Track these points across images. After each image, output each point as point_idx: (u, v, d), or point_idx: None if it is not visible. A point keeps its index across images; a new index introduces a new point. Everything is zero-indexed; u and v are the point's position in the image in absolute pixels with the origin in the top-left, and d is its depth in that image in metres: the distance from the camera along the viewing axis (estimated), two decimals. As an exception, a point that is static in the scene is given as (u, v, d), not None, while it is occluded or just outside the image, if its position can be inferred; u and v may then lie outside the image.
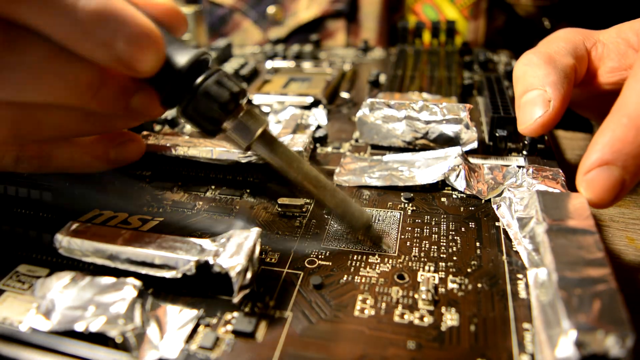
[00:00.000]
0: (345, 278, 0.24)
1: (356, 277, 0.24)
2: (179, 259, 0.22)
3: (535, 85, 0.29)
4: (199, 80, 0.23)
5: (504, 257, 0.25)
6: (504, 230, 0.27)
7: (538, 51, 0.31)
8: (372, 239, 0.27)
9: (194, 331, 0.21)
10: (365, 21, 0.65)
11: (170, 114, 0.41)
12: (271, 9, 0.66)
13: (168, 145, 0.32)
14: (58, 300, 0.21)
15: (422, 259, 0.25)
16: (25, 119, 0.24)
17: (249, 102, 0.44)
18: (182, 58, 0.23)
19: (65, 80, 0.22)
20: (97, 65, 0.22)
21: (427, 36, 0.57)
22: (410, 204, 0.30)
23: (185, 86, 0.23)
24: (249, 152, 0.30)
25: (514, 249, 0.25)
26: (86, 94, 0.23)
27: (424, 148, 0.35)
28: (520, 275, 0.24)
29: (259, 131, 0.24)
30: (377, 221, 0.28)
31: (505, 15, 0.64)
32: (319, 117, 0.41)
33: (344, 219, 0.27)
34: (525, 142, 0.35)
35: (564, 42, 0.31)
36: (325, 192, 0.26)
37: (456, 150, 0.32)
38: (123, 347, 0.20)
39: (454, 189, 0.31)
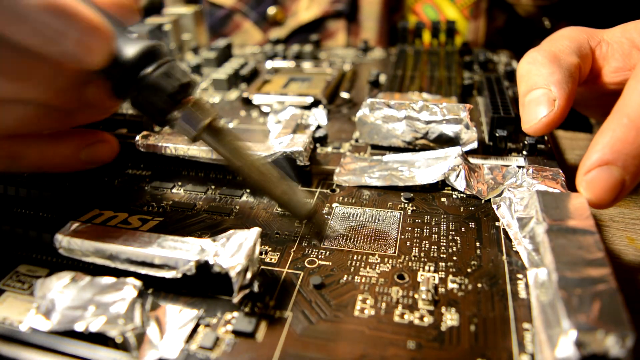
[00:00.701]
0: (345, 278, 0.24)
1: (356, 277, 0.24)
2: (179, 259, 0.22)
3: (539, 84, 0.28)
4: (148, 70, 0.24)
5: (504, 257, 0.25)
6: (504, 230, 0.27)
7: (542, 49, 0.30)
8: (315, 227, 0.28)
9: (194, 331, 0.21)
10: (365, 21, 0.65)
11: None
12: (271, 10, 0.66)
13: (168, 145, 0.32)
14: (58, 300, 0.21)
15: (422, 259, 0.25)
16: None
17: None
18: (130, 49, 0.23)
19: (17, 74, 0.22)
20: (49, 58, 0.22)
21: (427, 36, 0.57)
22: (410, 204, 0.30)
23: (135, 77, 0.24)
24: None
25: (514, 249, 0.25)
26: (41, 87, 0.23)
27: (424, 148, 0.35)
28: (520, 275, 0.24)
29: (207, 121, 0.25)
30: (377, 221, 0.28)
31: (506, 15, 0.64)
32: (319, 117, 0.41)
33: (288, 207, 0.27)
34: (525, 142, 0.35)
35: (568, 41, 0.31)
36: (270, 182, 0.26)
37: (456, 151, 0.32)
38: (123, 347, 0.20)
39: (454, 189, 0.31)
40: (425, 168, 0.32)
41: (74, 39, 0.21)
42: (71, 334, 0.20)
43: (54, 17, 0.20)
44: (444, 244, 0.26)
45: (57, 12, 0.20)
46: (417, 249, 0.26)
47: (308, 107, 0.43)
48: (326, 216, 0.29)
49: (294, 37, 0.67)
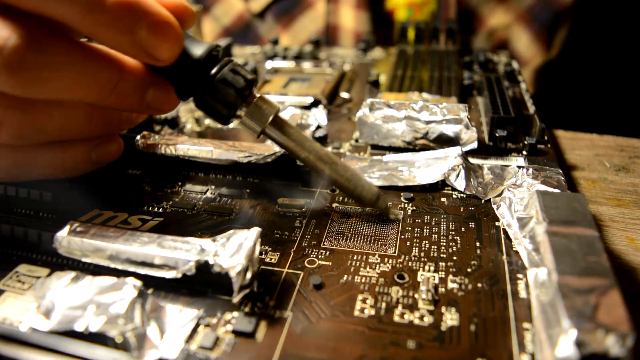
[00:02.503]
0: (345, 278, 0.24)
1: (356, 277, 0.24)
2: (179, 259, 0.22)
3: None
4: (215, 69, 0.25)
5: (504, 257, 0.25)
6: (504, 230, 0.27)
7: None
8: (381, 210, 0.28)
9: (194, 331, 0.21)
10: None
11: (170, 114, 0.41)
12: None
13: (168, 145, 0.32)
14: (58, 300, 0.21)
15: (422, 259, 0.25)
16: (29, 120, 0.24)
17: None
18: (198, 49, 0.25)
19: (86, 77, 0.23)
20: (114, 61, 0.24)
21: (411, 33, 0.56)
22: (410, 204, 0.30)
23: (201, 76, 0.25)
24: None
25: (514, 249, 0.25)
26: (105, 90, 0.24)
27: (424, 148, 0.35)
28: (520, 275, 0.24)
29: (272, 116, 0.26)
30: (377, 221, 0.28)
31: None
32: (319, 117, 0.41)
33: (354, 193, 0.28)
34: (525, 142, 0.35)
35: None
36: (337, 168, 0.27)
37: (456, 151, 0.32)
38: (123, 347, 0.20)
39: (454, 189, 0.31)
40: (425, 168, 0.32)
41: (147, 30, 0.22)
42: (71, 334, 0.20)
43: (129, 8, 0.21)
44: (444, 243, 0.26)
45: (133, 4, 0.21)
46: (417, 248, 0.26)
47: (308, 107, 0.43)
48: (325, 217, 0.29)
49: (274, 5, 0.67)
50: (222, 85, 0.25)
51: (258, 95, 0.26)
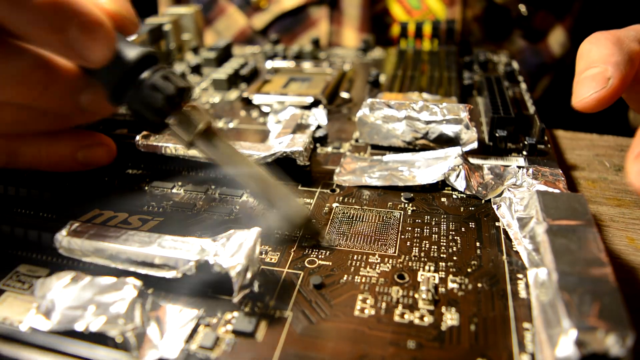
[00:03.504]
0: (345, 278, 0.24)
1: (356, 277, 0.24)
2: (179, 259, 0.22)
3: (597, 63, 0.28)
4: (146, 74, 0.24)
5: (504, 257, 0.25)
6: (504, 230, 0.27)
7: (607, 32, 0.30)
8: (312, 233, 0.27)
9: (194, 331, 0.21)
10: (347, 9, 0.66)
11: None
12: None
13: (168, 145, 0.32)
14: (58, 300, 0.21)
15: (422, 259, 0.25)
16: None
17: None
18: (131, 52, 0.24)
19: (13, 78, 0.23)
20: (45, 62, 0.23)
21: (411, 27, 0.56)
22: (411, 204, 0.30)
23: (133, 80, 0.24)
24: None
25: (514, 249, 0.25)
26: (34, 92, 0.24)
27: (424, 148, 0.35)
28: (520, 275, 0.24)
29: (201, 126, 0.25)
30: (377, 221, 0.28)
31: (483, 2, 0.65)
32: (319, 117, 0.41)
33: (284, 215, 0.26)
34: (525, 143, 0.35)
35: (634, 31, 0.30)
36: (268, 188, 0.26)
37: (456, 151, 0.32)
38: (123, 347, 0.20)
39: (454, 189, 0.31)
40: (425, 168, 0.32)
41: (77, 30, 0.21)
42: (71, 334, 0.20)
43: (59, 7, 0.21)
44: (444, 244, 0.26)
45: (63, 3, 0.21)
46: (417, 248, 0.26)
47: (308, 107, 0.43)
48: (325, 217, 0.29)
49: (277, 23, 0.67)
50: (151, 90, 0.24)
51: (190, 104, 0.25)
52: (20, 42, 0.23)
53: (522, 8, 0.63)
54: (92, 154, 0.30)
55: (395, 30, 0.65)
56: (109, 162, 0.31)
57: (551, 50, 0.67)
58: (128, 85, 0.24)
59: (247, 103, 0.45)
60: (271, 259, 0.26)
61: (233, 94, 0.48)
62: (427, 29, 0.56)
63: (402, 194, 0.31)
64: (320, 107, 0.43)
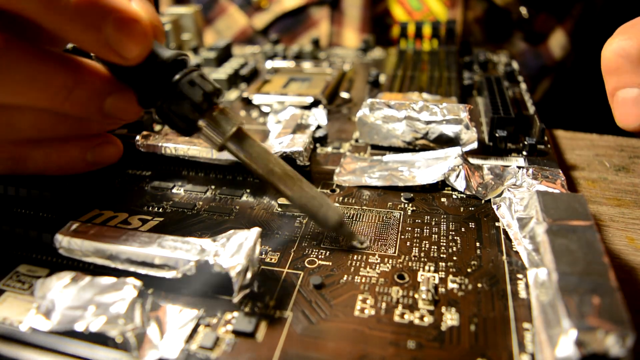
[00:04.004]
0: (345, 278, 0.24)
1: (356, 277, 0.24)
2: (179, 259, 0.22)
3: (634, 82, 0.27)
4: (178, 76, 0.24)
5: (504, 257, 0.25)
6: (504, 230, 0.27)
7: (633, 40, 0.28)
8: (344, 236, 0.27)
9: (194, 331, 0.21)
10: (348, 9, 0.66)
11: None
12: None
13: (168, 145, 0.32)
14: (58, 300, 0.21)
15: (422, 259, 0.25)
16: None
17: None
18: (165, 53, 0.24)
19: (39, 82, 0.22)
20: (72, 65, 0.23)
21: (411, 28, 0.56)
22: (410, 204, 0.30)
23: (163, 84, 0.24)
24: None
25: (514, 249, 0.25)
26: (59, 96, 0.23)
27: (424, 148, 0.35)
28: (520, 275, 0.24)
29: (233, 130, 0.25)
30: (377, 220, 0.28)
31: (485, 4, 0.65)
32: (319, 117, 0.41)
33: (319, 213, 0.25)
34: (525, 143, 0.35)
35: None
36: (302, 186, 0.25)
37: (456, 151, 0.32)
38: (123, 347, 0.20)
39: (454, 189, 0.31)
40: (425, 168, 0.32)
41: (114, 26, 0.21)
42: (71, 334, 0.20)
43: (96, 4, 0.21)
44: (444, 244, 0.26)
45: (99, 0, 0.21)
46: (417, 249, 0.26)
47: (308, 107, 0.43)
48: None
49: (278, 23, 0.67)
50: (189, 87, 0.24)
51: (220, 107, 0.25)
52: (47, 44, 0.23)
53: (523, 10, 0.63)
54: (101, 153, 0.29)
55: (396, 31, 0.66)
56: (116, 160, 0.30)
57: (552, 53, 0.67)
58: (163, 85, 0.24)
59: (247, 103, 0.45)
60: (271, 259, 0.26)
61: (233, 94, 0.48)
62: (427, 30, 0.56)
63: (402, 194, 0.31)
64: (320, 107, 0.43)
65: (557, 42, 0.67)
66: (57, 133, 0.27)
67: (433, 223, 0.28)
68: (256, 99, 0.45)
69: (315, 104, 0.43)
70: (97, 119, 0.27)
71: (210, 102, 0.24)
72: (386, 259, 0.25)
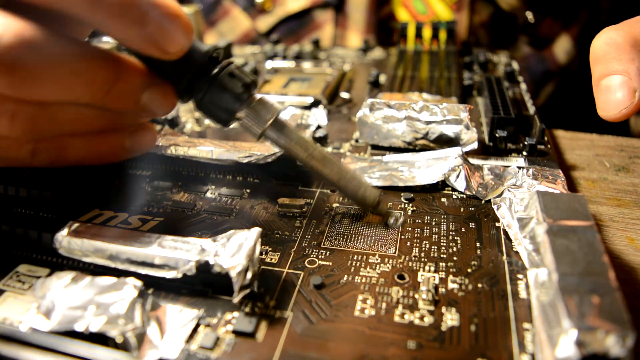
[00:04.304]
0: (345, 278, 0.24)
1: (356, 277, 0.24)
2: (179, 259, 0.22)
3: (618, 70, 0.27)
4: (217, 70, 0.25)
5: (504, 257, 0.25)
6: (504, 230, 0.27)
7: (623, 31, 0.28)
8: (381, 214, 0.28)
9: (194, 331, 0.21)
10: (353, 13, 0.65)
11: (170, 114, 0.41)
12: None
13: (168, 145, 0.32)
14: (58, 300, 0.21)
15: (423, 259, 0.25)
16: (40, 114, 0.24)
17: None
18: (203, 47, 0.25)
19: (81, 78, 0.23)
20: (114, 60, 0.23)
21: (412, 31, 0.56)
22: (411, 204, 0.30)
23: (204, 76, 0.25)
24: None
25: (514, 249, 0.25)
26: (100, 91, 0.24)
27: (424, 148, 0.35)
28: (520, 276, 0.24)
29: (272, 119, 0.26)
30: (376, 222, 0.28)
31: (491, 9, 0.65)
32: (319, 117, 0.41)
33: (357, 194, 0.27)
34: (525, 143, 0.35)
35: None
36: (341, 168, 0.27)
37: (456, 151, 0.32)
38: (123, 347, 0.20)
39: (454, 190, 0.31)
40: (425, 168, 0.32)
41: (157, 21, 0.22)
42: (71, 334, 0.20)
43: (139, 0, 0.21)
44: (444, 244, 0.26)
45: None
46: (417, 249, 0.26)
47: (308, 107, 0.43)
48: (333, 214, 0.29)
49: (282, 25, 0.67)
50: (220, 90, 0.25)
51: (259, 96, 0.26)
52: (89, 40, 0.23)
53: (529, 15, 0.63)
54: (140, 138, 0.29)
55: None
56: (153, 146, 0.30)
57: (556, 58, 0.67)
58: (200, 81, 0.25)
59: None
60: (271, 259, 0.26)
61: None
62: (427, 30, 0.56)
63: (402, 194, 0.31)
64: (320, 107, 0.43)
65: (562, 47, 0.67)
66: (96, 126, 0.27)
67: (433, 223, 0.28)
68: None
69: (316, 104, 0.43)
70: (134, 113, 0.27)
71: (249, 92, 0.26)
72: (386, 259, 0.25)
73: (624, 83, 0.27)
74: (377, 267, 0.25)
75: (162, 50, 0.23)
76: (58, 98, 0.23)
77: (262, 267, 0.25)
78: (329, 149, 0.37)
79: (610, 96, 0.27)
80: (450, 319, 0.22)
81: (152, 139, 0.30)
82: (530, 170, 0.30)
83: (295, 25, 0.67)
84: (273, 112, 0.26)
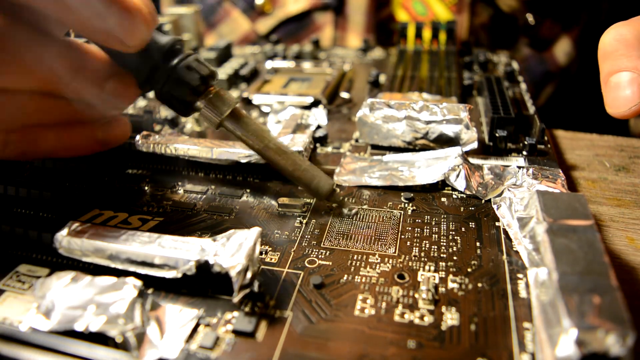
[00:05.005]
0: (345, 278, 0.24)
1: (356, 277, 0.24)
2: (179, 259, 0.22)
3: (627, 67, 0.27)
4: (177, 59, 0.26)
5: (504, 256, 0.25)
6: (504, 230, 0.27)
7: (633, 27, 0.28)
8: (337, 202, 0.29)
9: (194, 331, 0.21)
10: (352, 15, 0.65)
11: (171, 113, 0.41)
12: (259, 0, 0.66)
13: (168, 145, 0.32)
14: (58, 300, 0.21)
15: (423, 259, 0.25)
16: (6, 104, 0.24)
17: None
18: (163, 39, 0.26)
19: (42, 66, 0.23)
20: (75, 49, 0.24)
21: (411, 32, 0.56)
22: (411, 204, 0.30)
23: (164, 66, 0.26)
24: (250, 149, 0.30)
25: (514, 249, 0.25)
26: (62, 80, 0.24)
27: (424, 148, 0.35)
28: (520, 275, 0.24)
29: (229, 110, 0.27)
30: (377, 220, 0.28)
31: (491, 10, 0.65)
32: (319, 117, 0.41)
33: (311, 184, 0.28)
34: (525, 143, 0.35)
35: None
36: (295, 159, 0.28)
37: (456, 151, 0.32)
38: (123, 346, 0.20)
39: (454, 189, 0.31)
40: (425, 168, 0.32)
41: (118, 15, 0.22)
42: (71, 334, 0.20)
43: None
44: (444, 243, 0.26)
45: None
46: (417, 248, 0.26)
47: (308, 107, 0.43)
48: (330, 209, 0.29)
49: (282, 28, 0.67)
50: (186, 71, 0.25)
51: (216, 89, 0.27)
52: (49, 29, 0.24)
53: (530, 17, 0.63)
54: (112, 131, 0.29)
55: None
56: (125, 138, 0.31)
57: (556, 59, 0.67)
58: (162, 69, 0.25)
59: (247, 103, 0.45)
60: (271, 259, 0.26)
61: (233, 94, 0.48)
62: (427, 31, 0.56)
63: (402, 194, 0.31)
64: (320, 107, 0.43)
65: (562, 49, 0.67)
66: (64, 117, 0.27)
67: (433, 223, 0.28)
68: (256, 99, 0.45)
69: (315, 104, 0.43)
70: (97, 103, 0.27)
71: (207, 84, 0.26)
72: (386, 259, 0.25)
73: (633, 80, 0.27)
74: (377, 267, 0.25)
75: (123, 43, 0.23)
76: (19, 86, 0.23)
77: (262, 266, 0.25)
78: (329, 149, 0.37)
79: (620, 93, 0.27)
80: (450, 318, 0.22)
81: (124, 131, 0.30)
82: (530, 170, 0.30)
83: (295, 27, 0.67)
84: (230, 104, 0.27)
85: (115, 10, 0.22)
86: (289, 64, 0.54)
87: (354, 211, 0.29)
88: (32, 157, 0.28)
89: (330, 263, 0.25)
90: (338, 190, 0.29)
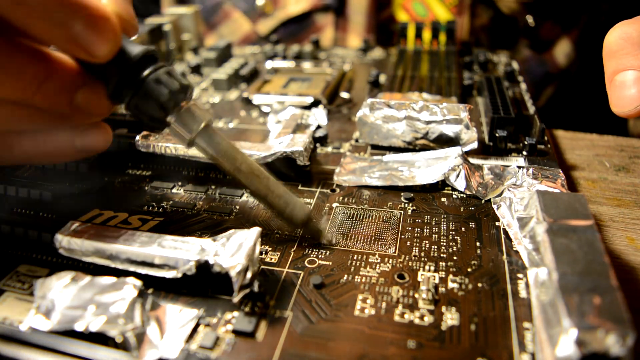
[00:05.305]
0: (345, 278, 0.24)
1: (356, 277, 0.24)
2: (179, 259, 0.22)
3: (633, 65, 0.27)
4: (148, 71, 0.23)
5: (504, 256, 0.25)
6: (504, 230, 0.27)
7: (639, 25, 0.28)
8: (312, 232, 0.27)
9: (194, 331, 0.21)
10: (353, 16, 0.65)
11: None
12: (260, 1, 0.66)
13: (168, 145, 0.32)
14: (58, 300, 0.21)
15: (423, 259, 0.25)
16: None
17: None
18: (134, 49, 0.24)
19: (8, 74, 0.22)
20: (43, 57, 0.23)
21: (411, 32, 0.56)
22: (411, 204, 0.30)
23: (136, 77, 0.24)
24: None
25: (514, 249, 0.25)
26: (29, 89, 0.23)
27: (424, 148, 0.35)
28: (520, 275, 0.24)
29: (202, 125, 0.25)
30: (377, 221, 0.28)
31: (491, 12, 0.65)
32: (319, 117, 0.41)
33: (285, 211, 0.26)
34: (525, 143, 0.35)
35: None
36: (269, 184, 0.26)
37: (456, 151, 0.32)
38: (123, 346, 0.20)
39: (454, 189, 0.31)
40: (425, 168, 0.32)
41: (83, 24, 0.21)
42: (71, 334, 0.20)
43: (65, 1, 0.20)
44: (444, 243, 0.26)
45: None
46: (417, 248, 0.26)
47: (308, 107, 0.43)
48: (326, 217, 0.29)
49: (282, 28, 0.67)
50: (154, 85, 0.23)
51: (188, 104, 0.25)
52: (18, 36, 0.23)
53: (530, 19, 0.63)
54: (90, 138, 0.28)
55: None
56: (106, 147, 0.29)
57: (556, 61, 0.67)
58: (131, 82, 0.24)
59: (247, 103, 0.45)
60: (271, 259, 0.26)
61: (233, 94, 0.48)
62: (427, 32, 0.56)
63: (402, 194, 0.31)
64: (320, 107, 0.43)
65: (562, 50, 0.67)
66: (37, 125, 0.26)
67: (433, 223, 0.28)
68: (256, 99, 0.45)
69: (315, 104, 0.43)
70: (67, 113, 0.26)
71: (177, 100, 0.24)
72: (386, 259, 0.25)
73: (638, 79, 0.27)
74: (377, 267, 0.25)
75: (89, 53, 0.22)
76: None
77: (262, 266, 0.25)
78: (329, 149, 0.37)
79: (625, 92, 0.27)
80: (450, 318, 0.22)
81: (104, 139, 0.28)
82: (530, 170, 0.30)
83: (296, 28, 0.67)
84: (201, 121, 0.25)
85: (80, 17, 0.21)
86: (289, 64, 0.54)
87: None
88: (8, 163, 0.27)
89: (330, 263, 0.25)
90: (314, 220, 0.26)
